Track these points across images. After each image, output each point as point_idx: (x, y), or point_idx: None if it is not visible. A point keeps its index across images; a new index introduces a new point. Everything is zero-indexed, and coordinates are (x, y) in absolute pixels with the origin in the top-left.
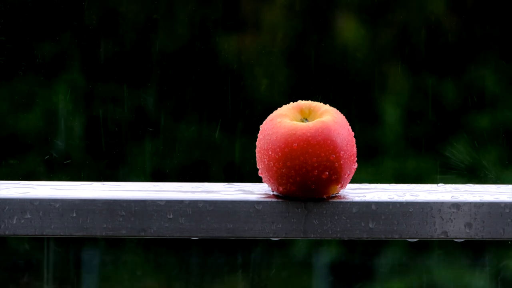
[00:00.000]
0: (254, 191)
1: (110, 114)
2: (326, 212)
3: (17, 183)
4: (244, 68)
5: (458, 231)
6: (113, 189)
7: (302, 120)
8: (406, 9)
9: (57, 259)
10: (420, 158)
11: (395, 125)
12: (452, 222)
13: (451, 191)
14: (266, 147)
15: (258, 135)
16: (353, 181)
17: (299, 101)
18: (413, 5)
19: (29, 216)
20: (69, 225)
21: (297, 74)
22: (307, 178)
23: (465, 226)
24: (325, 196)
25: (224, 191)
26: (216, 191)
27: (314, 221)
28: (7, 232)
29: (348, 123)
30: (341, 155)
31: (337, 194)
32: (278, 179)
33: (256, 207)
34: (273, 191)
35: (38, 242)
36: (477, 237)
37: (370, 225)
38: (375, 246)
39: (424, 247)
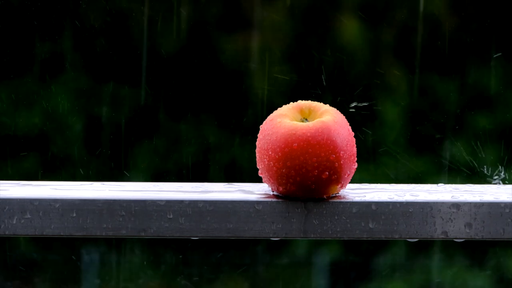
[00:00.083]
0: (254, 191)
1: (110, 114)
2: (326, 212)
3: (17, 183)
4: (244, 68)
5: (458, 231)
6: (113, 189)
7: (302, 120)
8: (406, 9)
9: (57, 259)
10: (420, 158)
11: (395, 125)
12: (452, 222)
13: (451, 191)
14: (266, 147)
15: (258, 135)
16: (353, 181)
17: (299, 101)
18: (413, 5)
19: (29, 216)
20: (69, 225)
21: (298, 74)
22: (307, 178)
23: (465, 226)
24: (325, 196)
25: (224, 191)
26: (216, 191)
27: (314, 221)
28: (7, 232)
29: (348, 123)
30: (341, 155)
31: (337, 194)
32: (278, 179)
33: (256, 207)
34: (273, 191)
35: (38, 242)
36: (477, 237)
37: (370, 225)
38: (375, 246)
39: (424, 247)
